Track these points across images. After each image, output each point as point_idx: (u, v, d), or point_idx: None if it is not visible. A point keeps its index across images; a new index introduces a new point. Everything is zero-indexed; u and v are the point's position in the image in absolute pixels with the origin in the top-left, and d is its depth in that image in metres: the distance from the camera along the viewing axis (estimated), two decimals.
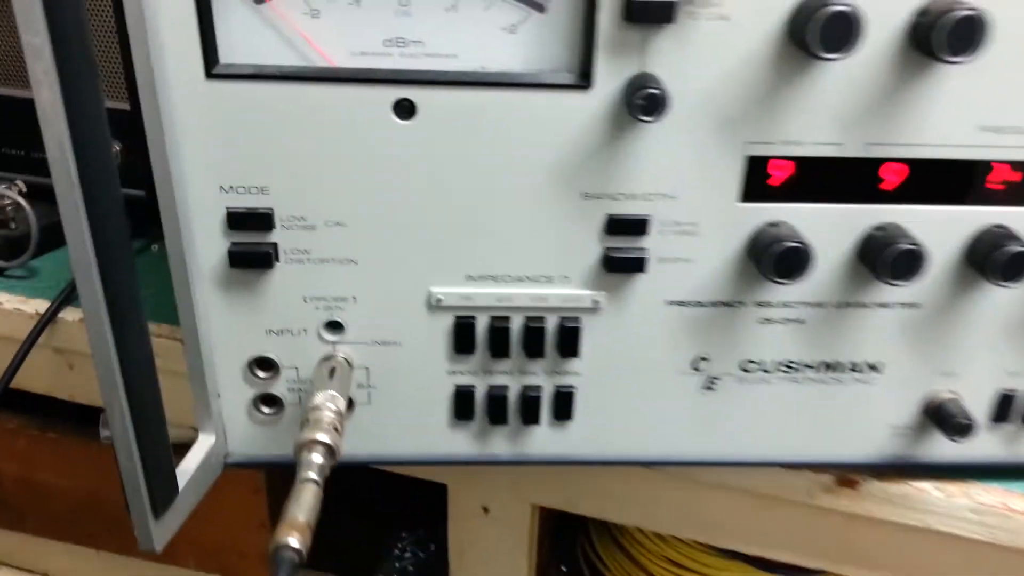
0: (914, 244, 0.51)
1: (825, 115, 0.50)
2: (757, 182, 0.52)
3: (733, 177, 0.52)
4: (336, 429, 0.52)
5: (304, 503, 0.47)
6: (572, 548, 1.07)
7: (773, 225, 0.53)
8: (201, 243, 0.53)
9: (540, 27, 0.48)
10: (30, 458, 0.96)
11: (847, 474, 0.68)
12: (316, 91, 0.49)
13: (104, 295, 0.44)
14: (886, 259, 0.52)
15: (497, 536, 0.84)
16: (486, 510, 0.83)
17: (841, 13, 0.43)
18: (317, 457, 0.49)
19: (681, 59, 0.48)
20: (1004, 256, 0.52)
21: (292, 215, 0.53)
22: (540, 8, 0.48)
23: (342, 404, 0.54)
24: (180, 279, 0.53)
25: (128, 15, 0.44)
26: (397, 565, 1.01)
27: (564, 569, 1.05)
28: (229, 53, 0.48)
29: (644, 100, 0.46)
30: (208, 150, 0.50)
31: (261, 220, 0.52)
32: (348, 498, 1.04)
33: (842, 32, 0.44)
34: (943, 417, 0.60)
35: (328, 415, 0.52)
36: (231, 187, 0.51)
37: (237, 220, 0.52)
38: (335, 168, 0.51)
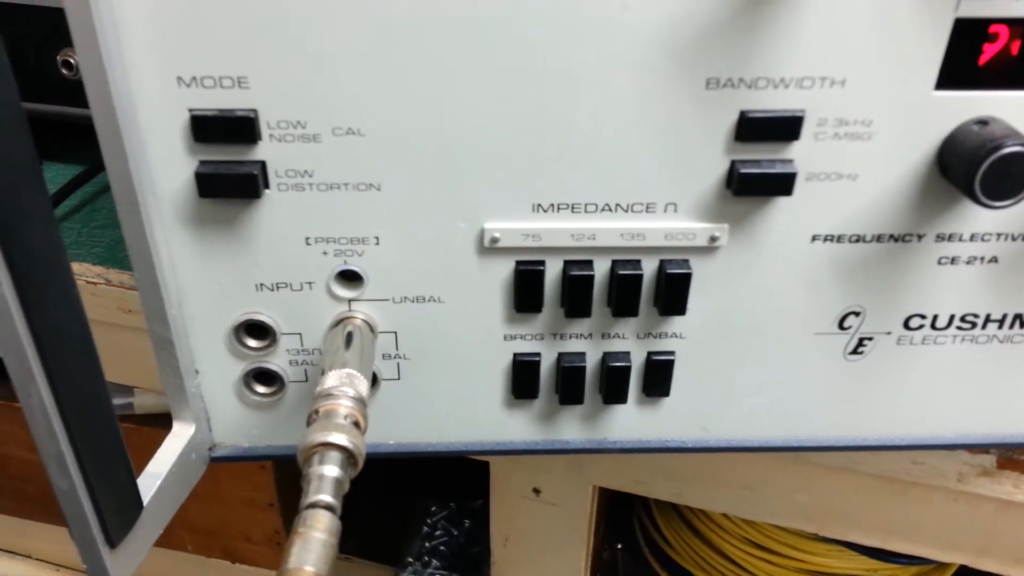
0: None
1: None
2: (963, 61, 0.36)
3: (933, 51, 0.35)
4: (357, 424, 0.36)
5: (314, 543, 0.31)
6: (628, 522, 0.92)
7: (981, 123, 0.37)
8: (156, 164, 0.37)
9: None
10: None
11: (1015, 454, 0.52)
12: None
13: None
14: None
15: (550, 521, 0.70)
16: (537, 492, 0.68)
17: None
18: (331, 469, 0.34)
19: None
20: None
21: (286, 119, 0.36)
22: None
23: (363, 386, 0.38)
24: (130, 217, 0.37)
25: None
26: (427, 545, 0.87)
27: (620, 547, 0.90)
28: None
29: None
30: (157, 21, 0.33)
31: (241, 127, 0.36)
32: (366, 466, 0.90)
33: None
34: None
35: (345, 405, 0.37)
36: (194, 78, 0.35)
37: (206, 128, 0.36)
38: (348, 47, 0.34)
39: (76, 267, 0.62)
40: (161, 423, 0.66)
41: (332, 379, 0.38)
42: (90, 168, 0.72)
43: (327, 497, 0.32)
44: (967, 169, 0.36)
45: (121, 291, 0.60)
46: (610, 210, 0.40)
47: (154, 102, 0.35)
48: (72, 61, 0.66)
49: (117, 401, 0.71)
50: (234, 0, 0.33)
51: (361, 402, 0.37)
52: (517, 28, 0.34)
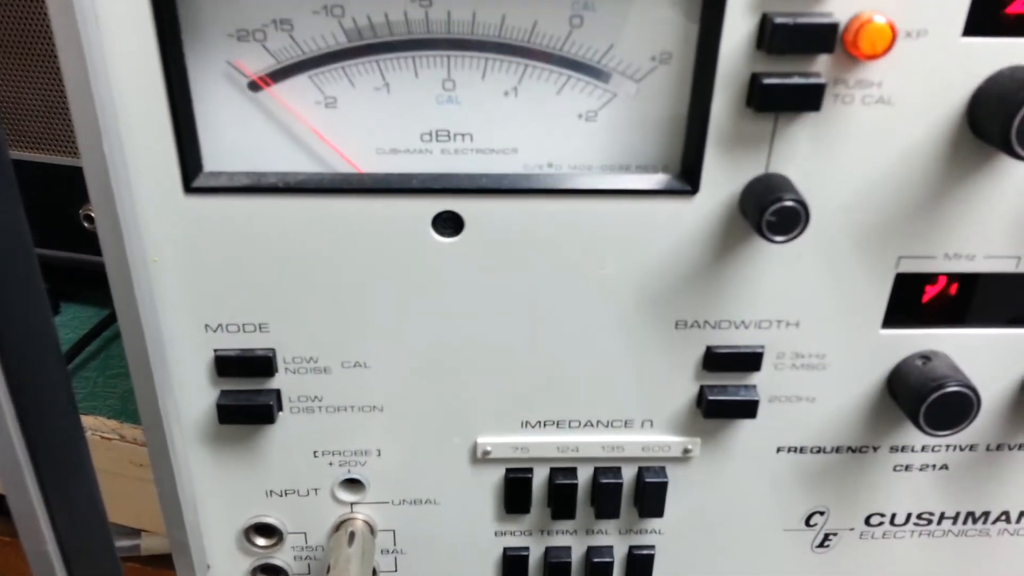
0: None
1: (1005, 222, 0.38)
2: (907, 303, 0.40)
3: (877, 299, 0.40)
4: None
5: None
6: None
7: (924, 358, 0.41)
8: (181, 394, 0.41)
9: (628, 112, 0.36)
10: None
11: None
12: (331, 205, 0.36)
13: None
14: None
15: None
16: None
17: None
18: None
19: (820, 155, 0.36)
20: None
21: (300, 356, 0.40)
22: (629, 87, 0.36)
23: None
24: (155, 439, 0.41)
25: (76, 114, 0.32)
26: None
27: None
28: (216, 158, 0.36)
29: (777, 216, 0.33)
30: (190, 281, 0.38)
31: (260, 365, 0.40)
32: None
33: None
34: None
35: None
36: (220, 326, 0.39)
37: (228, 365, 0.40)
38: (357, 299, 0.39)
39: (91, 421, 0.65)
40: (165, 563, 0.68)
41: None
42: (109, 315, 0.76)
43: None
44: (912, 404, 0.40)
45: (133, 447, 0.63)
46: (592, 426, 0.43)
47: (183, 344, 0.39)
48: (92, 215, 0.71)
49: (126, 543, 0.74)
50: (258, 264, 0.38)
51: None
52: (509, 279, 0.39)
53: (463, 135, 0.37)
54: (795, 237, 0.34)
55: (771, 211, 0.33)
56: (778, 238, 0.34)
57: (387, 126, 0.37)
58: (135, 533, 0.76)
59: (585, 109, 0.36)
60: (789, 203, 0.34)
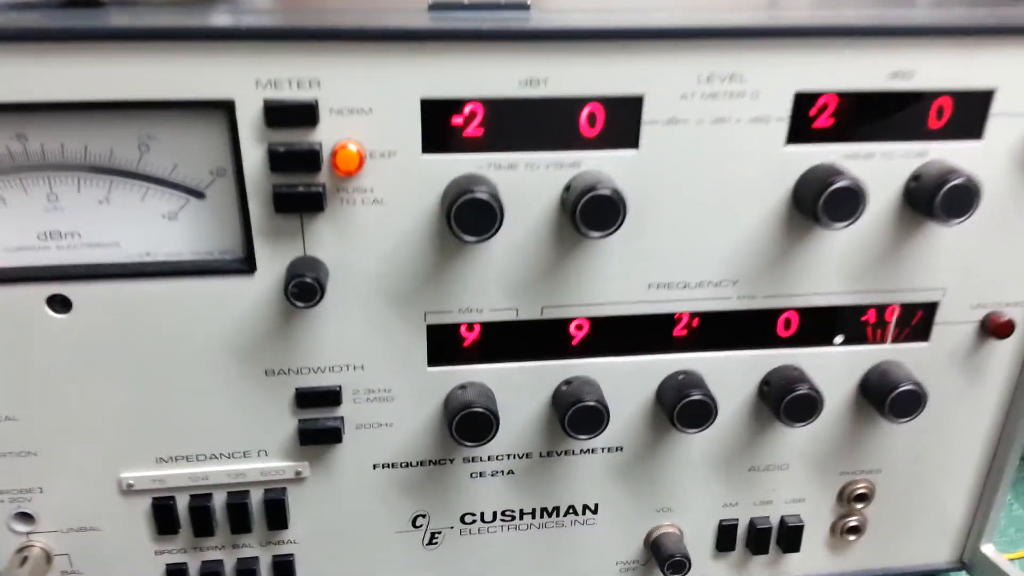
0: (593, 401, 0.53)
1: (496, 284, 0.51)
2: (444, 347, 0.53)
3: (418, 345, 0.52)
4: None
5: None
6: None
7: (462, 387, 0.54)
8: None
9: (201, 213, 0.48)
10: None
11: None
12: None
13: None
14: (569, 417, 0.53)
15: None
16: None
17: (474, 200, 0.44)
18: None
19: (342, 242, 0.48)
20: (689, 408, 0.54)
21: None
22: (198, 195, 0.47)
23: None
24: None
25: None
26: None
27: None
28: None
29: (297, 288, 0.46)
30: None
31: None
32: None
33: (480, 217, 0.45)
34: (660, 554, 0.61)
35: None
36: None
37: None
38: None
39: None
40: None
41: None
42: None
43: None
44: (449, 422, 0.52)
45: None
46: (216, 458, 0.54)
47: None
48: None
49: None
50: None
51: None
52: (120, 347, 0.49)
53: (72, 234, 0.48)
54: (314, 304, 0.46)
55: (292, 284, 0.46)
56: (300, 304, 0.46)
57: (9, 229, 0.47)
58: None
59: (167, 210, 0.48)
60: (307, 279, 0.46)
